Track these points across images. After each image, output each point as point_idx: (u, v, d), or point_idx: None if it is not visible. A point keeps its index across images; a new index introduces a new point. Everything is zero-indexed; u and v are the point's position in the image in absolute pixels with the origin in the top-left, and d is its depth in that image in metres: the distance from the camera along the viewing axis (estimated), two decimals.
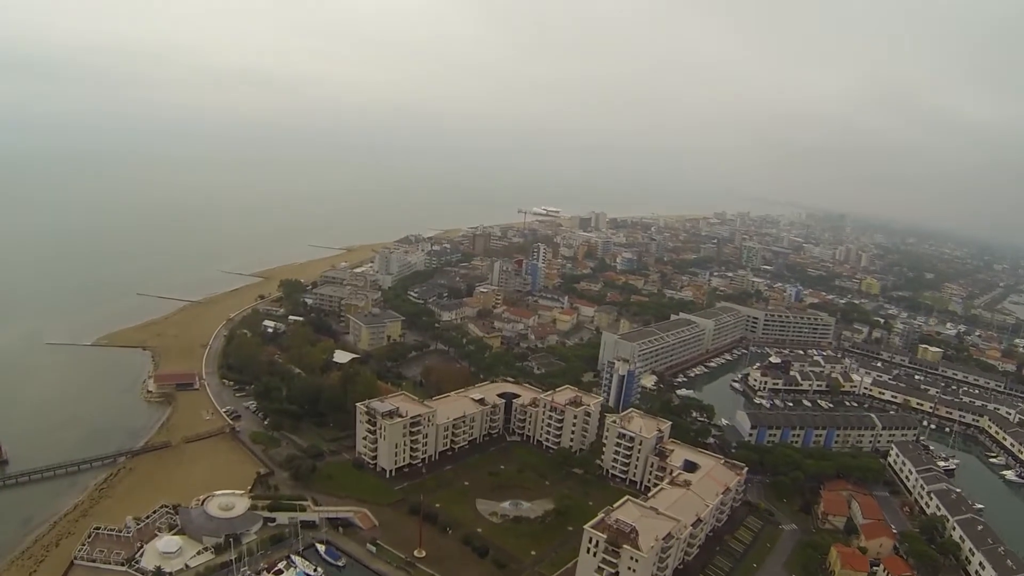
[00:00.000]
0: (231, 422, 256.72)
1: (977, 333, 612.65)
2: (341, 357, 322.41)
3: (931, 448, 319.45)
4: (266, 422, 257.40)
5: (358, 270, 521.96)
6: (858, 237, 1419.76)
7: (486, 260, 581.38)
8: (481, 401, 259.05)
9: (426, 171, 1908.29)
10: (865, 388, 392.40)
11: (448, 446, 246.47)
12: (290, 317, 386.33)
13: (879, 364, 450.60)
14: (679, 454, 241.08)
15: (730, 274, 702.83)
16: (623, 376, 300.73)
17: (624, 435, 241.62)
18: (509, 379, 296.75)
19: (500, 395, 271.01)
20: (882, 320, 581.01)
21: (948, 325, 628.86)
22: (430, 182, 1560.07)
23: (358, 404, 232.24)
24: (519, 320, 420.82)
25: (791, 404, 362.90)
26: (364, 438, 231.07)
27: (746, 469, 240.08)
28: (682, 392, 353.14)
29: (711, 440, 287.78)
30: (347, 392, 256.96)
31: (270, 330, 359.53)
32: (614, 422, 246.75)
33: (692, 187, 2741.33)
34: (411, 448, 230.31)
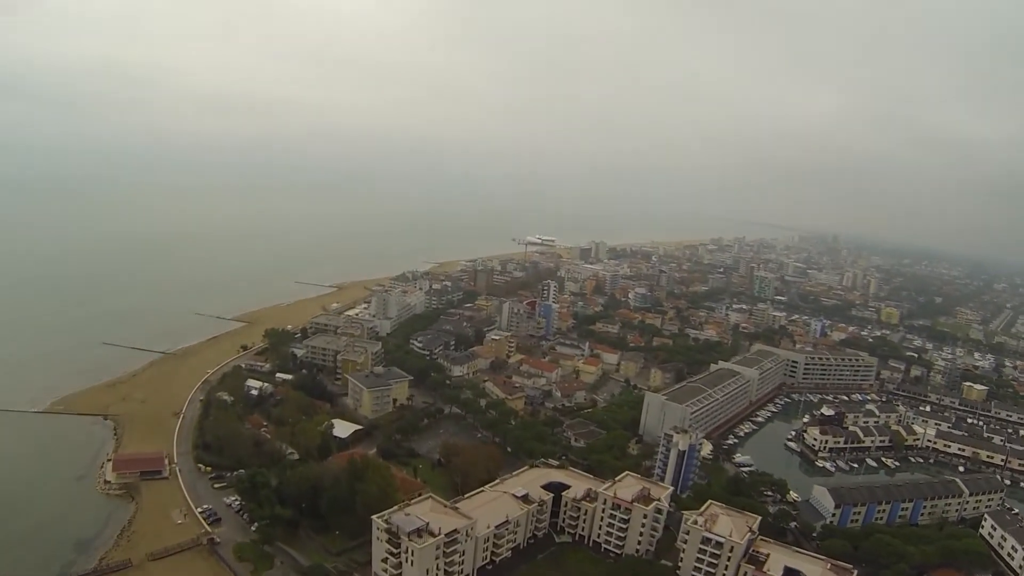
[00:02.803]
0: (209, 528, 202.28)
1: (1008, 363, 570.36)
2: (341, 429, 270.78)
3: (1016, 511, 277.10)
4: (254, 528, 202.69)
5: (352, 312, 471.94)
6: (855, 260, 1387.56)
7: (491, 299, 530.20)
8: (525, 498, 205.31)
9: (414, 199, 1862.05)
10: (929, 440, 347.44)
11: (488, 559, 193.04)
12: (278, 375, 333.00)
13: (928, 408, 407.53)
14: (776, 559, 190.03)
15: (744, 306, 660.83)
16: (683, 451, 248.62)
17: (710, 540, 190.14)
18: (552, 462, 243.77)
19: (545, 486, 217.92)
20: (916, 355, 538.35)
21: (976, 355, 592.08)
22: (419, 210, 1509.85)
23: (374, 518, 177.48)
24: (540, 373, 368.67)
25: (855, 465, 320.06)
26: (384, 560, 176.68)
27: (856, 572, 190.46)
28: (740, 459, 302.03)
29: (792, 524, 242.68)
30: (355, 490, 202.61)
31: (254, 392, 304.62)
32: (695, 523, 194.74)
33: (681, 210, 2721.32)
34: (445, 571, 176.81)
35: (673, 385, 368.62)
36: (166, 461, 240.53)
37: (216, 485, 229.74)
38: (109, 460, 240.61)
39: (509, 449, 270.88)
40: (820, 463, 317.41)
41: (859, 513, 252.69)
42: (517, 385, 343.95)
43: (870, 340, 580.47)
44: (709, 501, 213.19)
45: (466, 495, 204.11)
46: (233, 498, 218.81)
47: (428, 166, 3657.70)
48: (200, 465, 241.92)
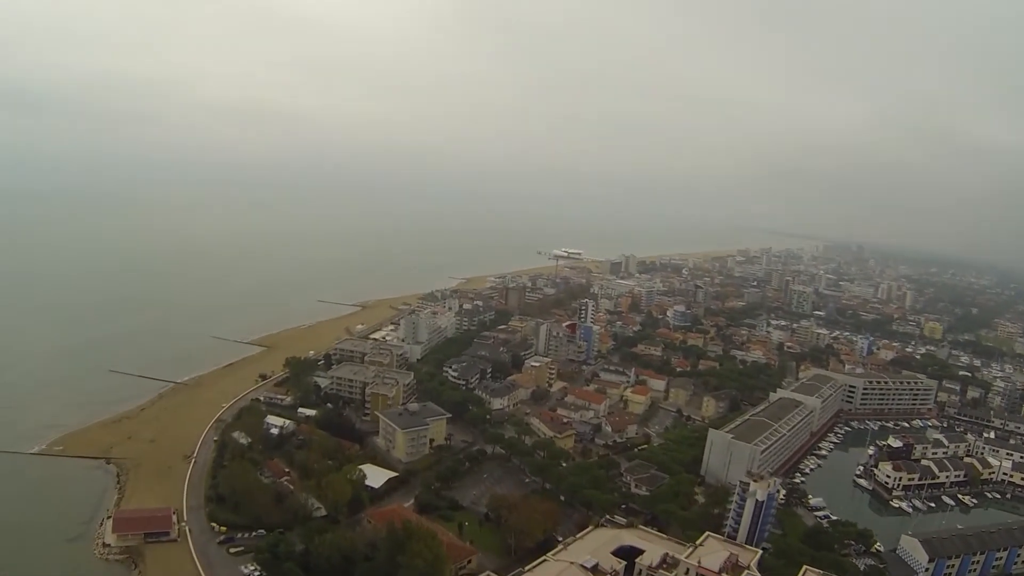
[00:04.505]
0: None
1: None
2: (374, 477, 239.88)
3: None
4: None
5: (378, 335, 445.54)
6: (883, 270, 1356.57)
7: (525, 320, 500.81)
8: (595, 569, 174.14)
9: (435, 213, 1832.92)
10: (1005, 473, 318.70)
11: None
12: (300, 410, 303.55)
13: (992, 434, 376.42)
14: None
15: (784, 323, 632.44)
16: (762, 502, 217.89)
17: None
18: (619, 519, 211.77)
19: (615, 551, 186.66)
20: (969, 375, 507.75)
21: None
22: (442, 225, 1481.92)
23: None
24: (587, 405, 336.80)
25: (931, 504, 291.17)
26: None
27: None
28: (814, 503, 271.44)
29: None
30: (397, 563, 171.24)
31: (274, 431, 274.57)
32: None
33: (703, 220, 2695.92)
34: None
35: (727, 414, 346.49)
36: (174, 518, 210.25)
37: (232, 550, 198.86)
38: (109, 517, 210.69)
39: (562, 497, 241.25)
40: (895, 503, 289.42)
41: (953, 566, 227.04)
42: (565, 420, 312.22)
43: (917, 357, 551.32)
44: (805, 568, 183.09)
45: (526, 568, 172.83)
46: (252, 567, 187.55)
47: (453, 180, 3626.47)
48: (213, 524, 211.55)
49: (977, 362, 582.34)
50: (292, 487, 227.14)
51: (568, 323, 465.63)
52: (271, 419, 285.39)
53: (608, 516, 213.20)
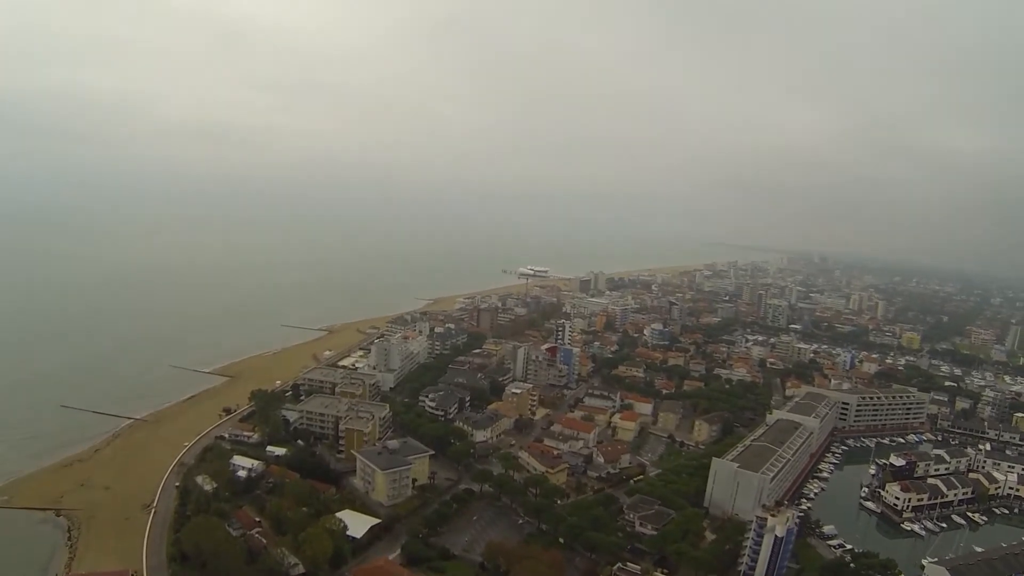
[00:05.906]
0: None
1: None
2: (355, 524, 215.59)
3: None
4: None
5: (347, 361, 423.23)
6: (849, 281, 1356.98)
7: (500, 343, 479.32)
8: None
9: (402, 233, 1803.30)
10: (1011, 488, 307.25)
11: None
12: (268, 448, 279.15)
13: (988, 446, 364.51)
14: None
15: (760, 337, 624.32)
16: (781, 538, 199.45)
17: None
18: (631, 567, 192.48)
19: None
20: (955, 385, 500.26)
21: (1007, 379, 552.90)
22: (408, 245, 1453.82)
23: None
24: (576, 435, 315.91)
25: (943, 525, 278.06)
26: None
27: None
28: (828, 531, 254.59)
29: None
30: None
31: (242, 474, 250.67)
32: None
33: (668, 234, 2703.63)
34: None
35: (721, 438, 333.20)
36: None
37: None
38: None
39: (562, 540, 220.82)
40: (907, 525, 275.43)
41: None
42: (556, 453, 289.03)
43: (900, 368, 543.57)
44: None
45: None
46: None
47: (413, 200, 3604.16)
48: None
49: (958, 371, 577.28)
50: (265, 541, 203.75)
51: (548, 346, 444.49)
52: (238, 460, 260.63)
53: (621, 564, 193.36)
